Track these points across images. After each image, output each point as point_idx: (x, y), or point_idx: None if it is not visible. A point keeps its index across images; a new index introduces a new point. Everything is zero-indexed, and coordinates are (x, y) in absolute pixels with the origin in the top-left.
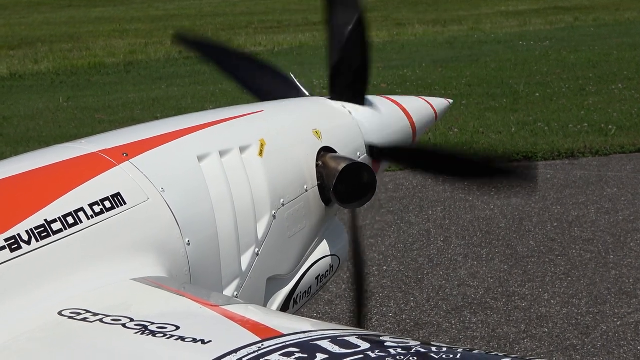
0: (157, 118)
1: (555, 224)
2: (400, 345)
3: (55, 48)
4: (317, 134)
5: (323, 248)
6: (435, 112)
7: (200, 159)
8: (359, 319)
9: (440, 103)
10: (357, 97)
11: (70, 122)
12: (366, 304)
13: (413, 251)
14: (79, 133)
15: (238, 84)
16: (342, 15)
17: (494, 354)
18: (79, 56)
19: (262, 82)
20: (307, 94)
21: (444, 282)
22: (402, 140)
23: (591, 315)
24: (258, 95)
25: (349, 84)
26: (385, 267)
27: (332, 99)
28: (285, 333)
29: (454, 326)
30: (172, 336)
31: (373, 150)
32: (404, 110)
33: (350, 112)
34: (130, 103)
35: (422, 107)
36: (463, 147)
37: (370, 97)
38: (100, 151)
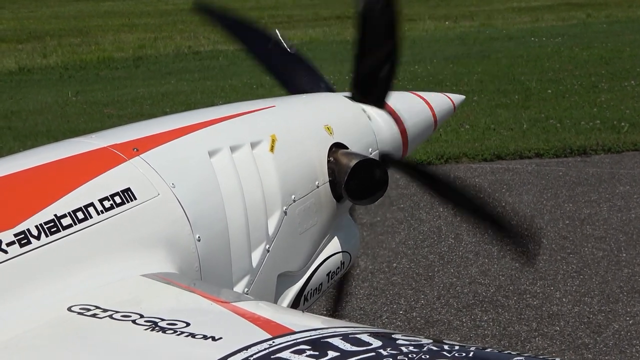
0: (166, 113)
1: (567, 222)
2: (412, 343)
3: (64, 42)
4: (329, 129)
5: (334, 244)
6: (454, 106)
7: (211, 154)
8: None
9: (458, 98)
10: (378, 101)
11: (79, 117)
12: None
13: (424, 248)
14: (88, 128)
15: (262, 67)
16: (375, 19)
17: (506, 352)
18: (88, 50)
19: (287, 68)
20: (333, 87)
21: (454, 279)
22: (424, 131)
23: (603, 314)
24: (282, 81)
25: (372, 88)
26: (395, 264)
27: (352, 98)
28: (296, 330)
29: (464, 324)
30: (182, 333)
31: (386, 160)
32: (427, 102)
33: (364, 111)
34: (139, 98)
35: (443, 101)
36: (477, 190)
37: (395, 93)
38: (110, 146)
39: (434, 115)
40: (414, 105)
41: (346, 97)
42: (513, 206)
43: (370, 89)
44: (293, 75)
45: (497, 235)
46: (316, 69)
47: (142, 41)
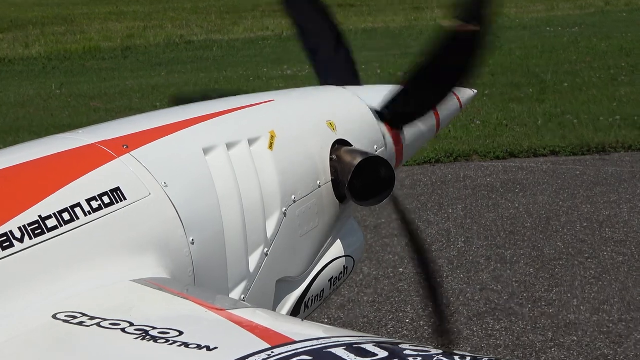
0: (156, 107)
1: (585, 224)
2: (421, 354)
3: (48, 31)
4: (332, 125)
5: (337, 248)
6: (460, 103)
7: (205, 151)
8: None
9: (465, 93)
10: (400, 125)
11: (63, 111)
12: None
13: (430, 252)
14: (73, 122)
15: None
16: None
17: None
18: (73, 40)
19: (325, 51)
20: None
21: (464, 286)
22: (421, 138)
23: (624, 323)
24: (315, 63)
25: (406, 115)
26: (401, 270)
27: (378, 113)
28: (296, 340)
29: (475, 333)
30: (175, 342)
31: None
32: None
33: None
34: (128, 90)
35: (466, 94)
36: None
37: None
38: (98, 142)
39: (436, 118)
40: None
41: (371, 109)
42: (527, 207)
43: (403, 115)
44: (327, 60)
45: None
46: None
47: (131, 30)
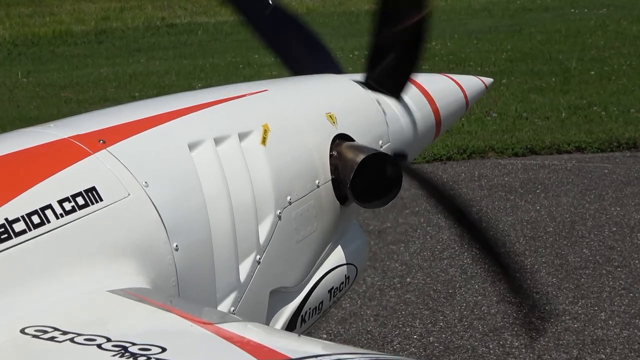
0: (135, 98)
1: (614, 229)
2: None
3: (13, 13)
4: (332, 118)
5: (337, 255)
6: (486, 87)
7: (191, 147)
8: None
9: (476, 83)
10: (395, 90)
11: (31, 101)
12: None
13: (442, 260)
14: (41, 114)
15: (260, 39)
16: None
17: None
18: (41, 23)
19: (290, 42)
20: (341, 67)
21: (479, 297)
22: (456, 111)
23: None
24: (282, 57)
25: (390, 72)
26: (409, 279)
27: (364, 84)
28: (292, 357)
29: (491, 351)
30: (157, 359)
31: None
32: (456, 82)
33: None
34: (103, 79)
35: (474, 82)
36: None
37: (421, 74)
38: (71, 137)
39: (465, 95)
40: (445, 85)
41: (356, 81)
42: (550, 210)
43: (388, 74)
44: (297, 51)
45: (504, 283)
46: (324, 43)
47: (106, 12)
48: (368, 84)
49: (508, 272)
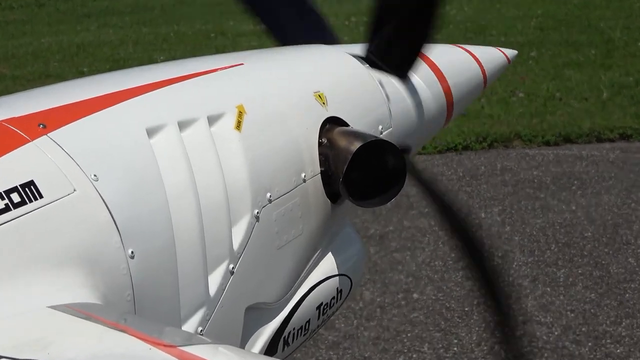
0: (83, 74)
1: None
2: None
3: None
4: (321, 98)
5: (328, 265)
6: (509, 60)
7: (150, 133)
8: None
9: (509, 54)
10: (401, 66)
11: None
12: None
13: (457, 271)
14: None
15: (237, 2)
16: None
17: None
18: None
19: (276, 8)
20: (336, 37)
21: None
22: (472, 90)
23: None
24: (267, 26)
25: (395, 44)
26: (416, 295)
27: (363, 58)
28: None
29: None
30: None
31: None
32: (472, 54)
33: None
34: (44, 51)
35: (494, 55)
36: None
37: (438, 47)
38: (5, 120)
39: (483, 71)
40: (458, 58)
41: (353, 55)
42: (588, 211)
43: (393, 45)
44: (283, 16)
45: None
46: (315, 7)
47: None
48: (367, 57)
49: (501, 311)
